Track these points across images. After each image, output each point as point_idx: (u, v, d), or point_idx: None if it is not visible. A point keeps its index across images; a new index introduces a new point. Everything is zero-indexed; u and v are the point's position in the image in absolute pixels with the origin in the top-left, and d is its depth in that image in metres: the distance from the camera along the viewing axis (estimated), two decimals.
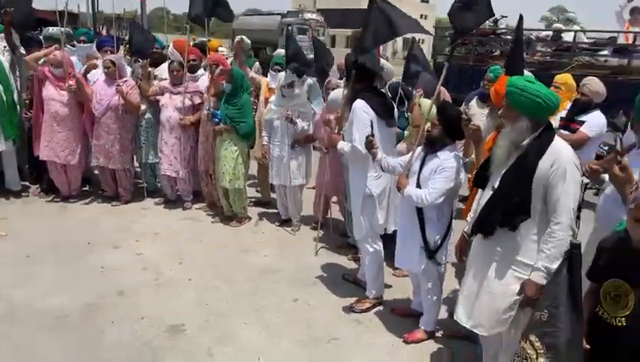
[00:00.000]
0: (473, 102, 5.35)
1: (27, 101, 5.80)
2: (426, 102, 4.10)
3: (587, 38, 9.48)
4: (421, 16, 41.94)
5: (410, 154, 3.37)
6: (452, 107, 3.39)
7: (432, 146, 3.20)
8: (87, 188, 6.18)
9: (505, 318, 2.52)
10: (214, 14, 5.65)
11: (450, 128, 3.16)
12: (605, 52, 8.56)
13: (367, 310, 3.80)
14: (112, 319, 3.55)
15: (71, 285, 3.96)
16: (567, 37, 9.29)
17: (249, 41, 6.52)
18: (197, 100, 5.58)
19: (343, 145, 3.67)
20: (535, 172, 2.38)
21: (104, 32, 13.77)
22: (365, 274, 3.96)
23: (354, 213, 3.84)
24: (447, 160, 3.10)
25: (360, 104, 3.52)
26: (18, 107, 5.62)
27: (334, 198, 5.29)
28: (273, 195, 5.86)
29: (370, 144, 3.37)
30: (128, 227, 5.19)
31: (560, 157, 2.37)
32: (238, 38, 6.23)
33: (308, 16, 26.43)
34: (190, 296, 3.91)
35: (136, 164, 6.07)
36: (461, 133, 3.27)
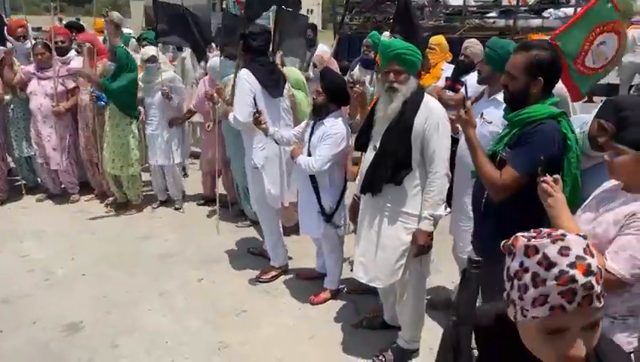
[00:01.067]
0: (356, 69, 5.54)
1: None
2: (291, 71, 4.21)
3: (474, 1, 10.02)
4: None
5: (303, 123, 3.44)
6: (333, 74, 3.49)
7: (319, 114, 3.28)
8: None
9: (397, 268, 2.70)
10: None
11: (333, 95, 3.24)
12: (493, 14, 9.07)
13: (273, 279, 3.88)
14: None
15: None
16: (454, 2, 9.71)
17: (119, 15, 6.13)
18: (70, 85, 5.17)
19: (229, 116, 3.64)
20: (412, 128, 2.55)
21: None
22: (266, 241, 4.02)
23: (249, 185, 3.86)
24: (332, 126, 3.19)
25: (243, 73, 3.51)
26: None
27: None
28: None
29: (257, 120, 3.36)
30: (8, 229, 4.76)
31: (432, 113, 2.55)
32: (111, 15, 5.84)
33: None
34: (86, 292, 3.70)
35: (10, 159, 5.53)
36: (345, 99, 3.35)
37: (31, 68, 5.14)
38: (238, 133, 4.15)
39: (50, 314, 3.42)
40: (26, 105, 5.18)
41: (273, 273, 3.91)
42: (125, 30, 7.09)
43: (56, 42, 5.07)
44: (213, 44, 5.83)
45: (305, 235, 3.80)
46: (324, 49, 5.51)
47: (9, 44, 5.31)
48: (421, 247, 2.60)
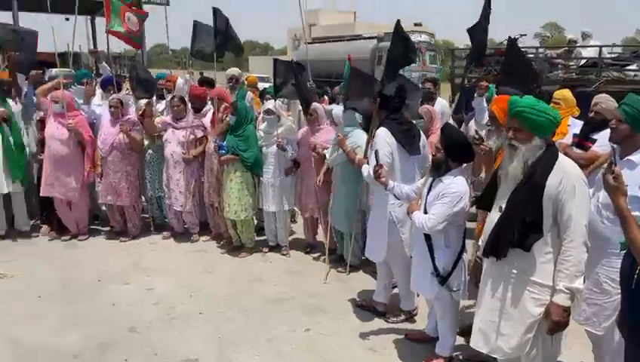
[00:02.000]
0: (472, 123, 5.42)
1: (38, 144, 5.86)
2: None
3: (609, 53, 9.39)
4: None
5: (423, 179, 3.41)
6: (453, 129, 3.42)
7: (437, 170, 3.21)
8: (95, 225, 6.22)
9: (524, 341, 2.50)
10: (226, 49, 5.80)
11: (453, 152, 3.14)
12: (633, 67, 8.47)
13: (401, 321, 4.01)
14: (125, 357, 3.53)
15: (83, 323, 3.96)
16: (588, 53, 9.17)
17: (239, 70, 6.68)
18: (199, 134, 5.66)
19: (363, 169, 3.79)
20: (544, 190, 2.40)
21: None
22: (399, 287, 4.06)
23: (373, 234, 3.95)
24: (450, 184, 3.09)
25: (382, 132, 3.64)
26: (27, 149, 5.70)
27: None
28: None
29: (376, 174, 3.39)
30: (138, 262, 5.21)
31: (567, 175, 2.40)
32: (231, 70, 6.40)
33: (417, 38, 18.53)
34: (202, 329, 3.90)
35: (143, 198, 6.12)
36: (466, 156, 3.22)
37: (167, 118, 5.73)
38: (348, 180, 4.29)
39: (169, 348, 3.63)
40: (160, 151, 5.75)
41: (403, 316, 4.02)
42: (261, 84, 7.69)
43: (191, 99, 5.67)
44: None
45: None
46: (443, 103, 5.49)
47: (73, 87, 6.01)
48: (556, 323, 2.38)
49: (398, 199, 3.53)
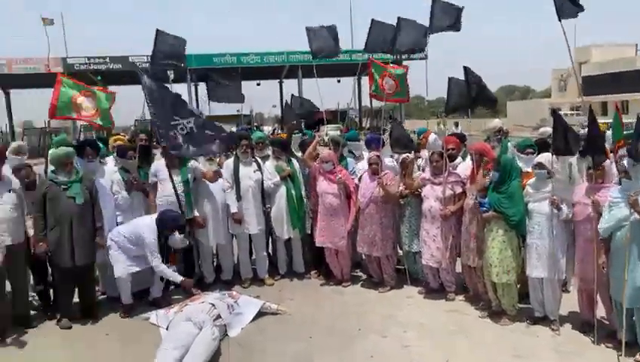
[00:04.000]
0: None
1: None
2: None
3: None
4: None
5: None
6: None
7: None
8: (357, 273, 6.64)
9: None
10: (480, 103, 5.73)
11: None
12: None
13: None
14: None
15: None
16: None
17: (499, 121, 6.35)
18: (458, 189, 5.56)
19: None
20: None
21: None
22: None
23: None
24: None
25: None
26: (305, 202, 6.53)
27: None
28: None
29: None
30: (394, 315, 5.32)
31: None
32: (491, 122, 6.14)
33: None
34: None
35: (399, 251, 6.29)
36: None
37: (426, 174, 5.82)
38: None
39: None
40: (419, 205, 5.85)
41: None
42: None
43: (447, 150, 5.71)
44: None
45: None
46: None
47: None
48: None
49: None
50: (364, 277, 6.49)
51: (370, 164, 6.07)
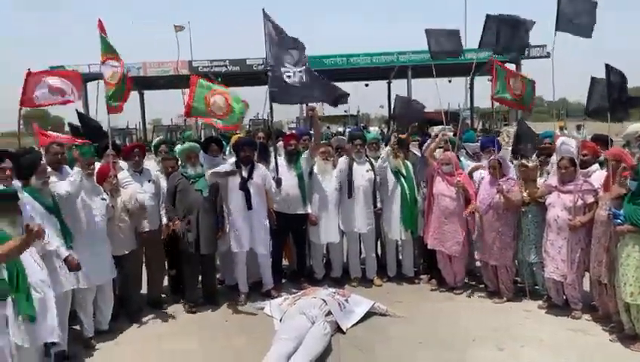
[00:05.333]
0: None
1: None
2: None
3: None
4: None
5: None
6: None
7: None
8: (468, 281, 6.40)
9: None
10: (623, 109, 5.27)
11: None
12: None
13: None
14: None
15: None
16: None
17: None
18: (589, 199, 5.12)
19: None
20: None
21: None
22: None
23: None
24: None
25: None
26: (419, 203, 6.41)
27: None
28: None
29: None
30: (510, 328, 5.04)
31: None
32: None
33: None
34: None
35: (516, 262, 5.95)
36: None
37: (552, 181, 5.42)
38: None
39: None
40: (540, 213, 5.48)
41: None
42: None
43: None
44: None
45: None
46: None
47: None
48: None
49: None
50: (481, 286, 6.22)
51: (491, 168, 5.80)
